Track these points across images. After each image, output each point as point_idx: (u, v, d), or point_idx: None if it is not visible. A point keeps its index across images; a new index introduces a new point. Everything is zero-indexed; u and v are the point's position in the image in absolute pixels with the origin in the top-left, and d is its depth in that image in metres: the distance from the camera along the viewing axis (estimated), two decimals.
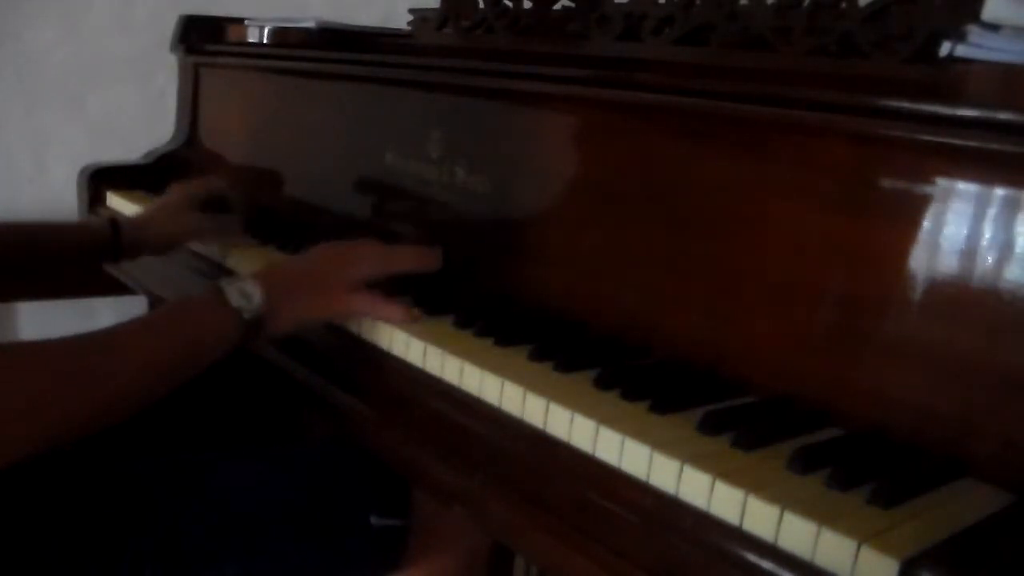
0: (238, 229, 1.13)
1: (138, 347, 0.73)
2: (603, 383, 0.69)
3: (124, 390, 0.71)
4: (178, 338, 0.76)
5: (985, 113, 0.58)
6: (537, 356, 0.74)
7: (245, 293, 0.78)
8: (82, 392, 0.68)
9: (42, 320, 1.92)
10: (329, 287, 0.82)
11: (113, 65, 1.89)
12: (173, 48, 1.47)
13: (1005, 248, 0.59)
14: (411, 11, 1.28)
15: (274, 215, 1.24)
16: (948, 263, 0.61)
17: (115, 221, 1.09)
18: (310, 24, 1.27)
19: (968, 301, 0.60)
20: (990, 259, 0.59)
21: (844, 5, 0.76)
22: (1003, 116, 0.57)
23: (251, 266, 1.04)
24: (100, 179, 1.44)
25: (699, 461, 0.57)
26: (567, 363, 0.73)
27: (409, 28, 1.29)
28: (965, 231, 0.60)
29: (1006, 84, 0.61)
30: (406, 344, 0.79)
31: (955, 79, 0.64)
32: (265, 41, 1.32)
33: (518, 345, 0.76)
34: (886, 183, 0.65)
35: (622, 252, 0.83)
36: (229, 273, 1.07)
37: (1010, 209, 0.59)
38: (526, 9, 1.07)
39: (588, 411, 0.64)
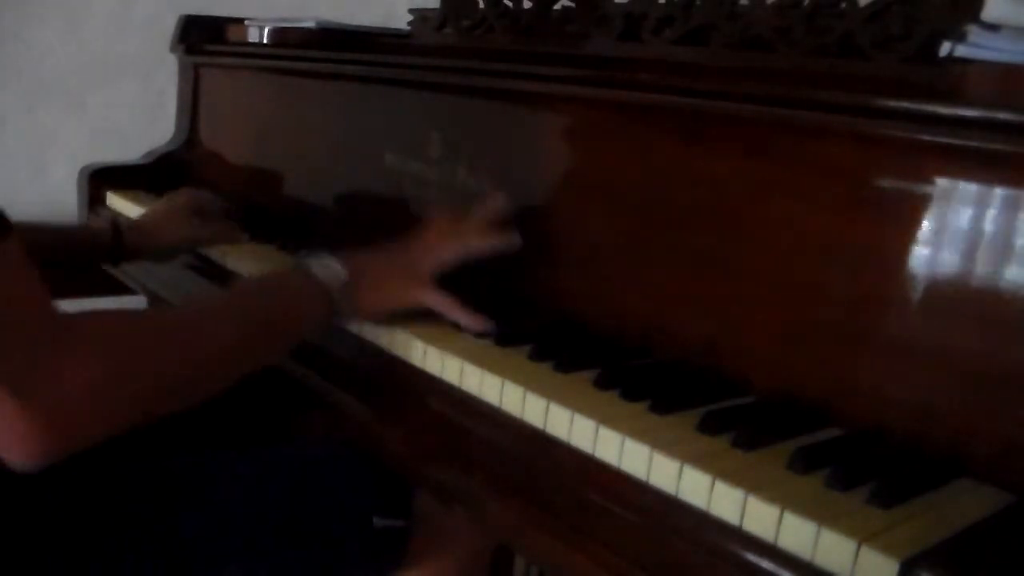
0: (238, 236, 1.13)
1: (229, 321, 0.72)
2: (603, 383, 0.69)
3: (214, 364, 0.70)
4: (267, 311, 0.76)
5: (985, 113, 0.58)
6: (537, 356, 0.74)
7: (329, 268, 0.78)
8: (174, 365, 0.67)
9: None
10: (408, 277, 0.82)
11: (113, 65, 1.89)
12: (173, 48, 1.47)
13: (1005, 248, 0.59)
14: (411, 11, 1.28)
15: (274, 215, 1.24)
16: (948, 263, 0.61)
17: (117, 225, 1.09)
18: (310, 24, 1.27)
19: (968, 301, 0.60)
20: (990, 259, 0.59)
21: (844, 5, 0.76)
22: (1003, 116, 0.57)
23: (251, 266, 1.05)
24: (100, 179, 1.44)
25: (699, 461, 0.57)
26: (567, 363, 0.73)
27: (409, 28, 1.29)
28: (965, 231, 0.60)
29: (1006, 84, 0.61)
30: (406, 344, 0.79)
31: (955, 79, 0.64)
32: (265, 41, 1.32)
33: (518, 345, 0.76)
34: (886, 183, 0.65)
35: (622, 252, 0.83)
36: (229, 273, 1.07)
37: (1010, 209, 0.59)
38: (526, 9, 1.07)
39: (588, 411, 0.64)
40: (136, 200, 1.34)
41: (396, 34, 1.30)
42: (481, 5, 1.12)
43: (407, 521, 0.87)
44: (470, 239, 0.84)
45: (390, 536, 0.86)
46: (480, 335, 0.79)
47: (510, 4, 1.09)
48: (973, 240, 0.60)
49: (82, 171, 1.45)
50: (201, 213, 1.13)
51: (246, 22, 1.36)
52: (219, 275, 1.09)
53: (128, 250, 1.08)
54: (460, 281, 0.84)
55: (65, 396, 0.57)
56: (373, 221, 1.10)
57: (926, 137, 0.62)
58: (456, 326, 0.81)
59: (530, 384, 0.68)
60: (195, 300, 0.71)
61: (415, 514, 0.87)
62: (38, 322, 0.58)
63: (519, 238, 0.85)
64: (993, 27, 0.62)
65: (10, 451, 0.57)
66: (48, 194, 1.85)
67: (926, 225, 0.62)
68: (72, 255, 1.07)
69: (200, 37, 1.44)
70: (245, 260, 1.06)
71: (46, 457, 0.58)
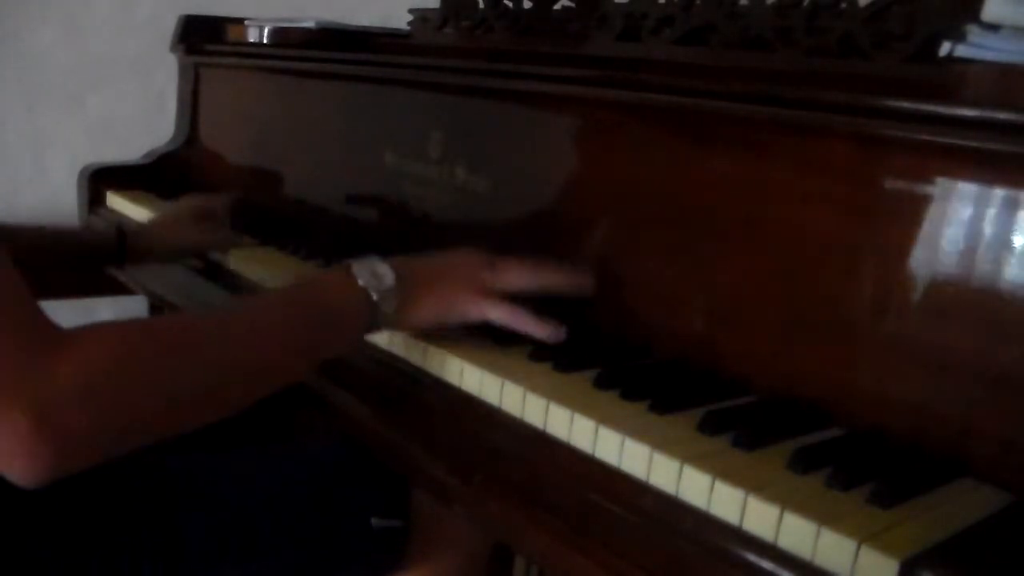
0: (243, 241, 1.13)
1: (262, 328, 0.68)
2: (603, 383, 0.69)
3: (247, 373, 0.66)
4: (304, 319, 0.70)
5: (985, 113, 0.58)
6: (537, 356, 0.74)
7: (376, 273, 0.72)
8: (201, 374, 0.62)
9: None
10: (469, 287, 0.76)
11: (113, 65, 1.90)
12: (173, 48, 1.47)
13: (1005, 248, 0.59)
14: (411, 11, 1.28)
15: (274, 215, 1.24)
16: (948, 263, 0.61)
17: (121, 228, 1.09)
18: (310, 24, 1.27)
19: (968, 301, 0.60)
20: (990, 259, 0.59)
21: (844, 5, 0.76)
22: (1003, 116, 0.57)
23: (252, 267, 1.05)
24: (100, 179, 1.44)
25: (699, 461, 0.57)
26: (567, 363, 0.73)
27: (409, 28, 1.29)
28: (965, 231, 0.60)
29: (1006, 84, 0.61)
30: (406, 344, 0.79)
31: (955, 79, 0.64)
32: (265, 41, 1.32)
33: (518, 345, 0.76)
34: (886, 183, 0.65)
35: (622, 251, 0.83)
36: (230, 273, 1.07)
37: (1010, 209, 0.59)
38: (526, 9, 1.07)
39: (588, 411, 0.64)
40: (136, 200, 1.34)
41: (396, 34, 1.30)
42: (481, 5, 1.12)
43: (405, 521, 0.87)
44: (548, 272, 0.79)
45: (388, 536, 0.86)
46: (555, 345, 0.74)
47: (510, 4, 1.09)
48: (973, 240, 0.60)
49: (82, 171, 1.45)
50: (207, 219, 1.13)
51: (246, 22, 1.36)
52: (220, 276, 1.09)
53: (132, 254, 1.08)
54: None
55: (57, 403, 0.53)
56: (373, 221, 1.10)
57: (926, 137, 0.62)
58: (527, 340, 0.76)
59: (530, 384, 0.68)
60: (216, 307, 0.65)
61: (413, 514, 0.87)
62: (27, 329, 0.55)
63: (593, 281, 0.80)
64: (993, 27, 0.62)
65: (11, 467, 0.54)
66: (48, 194, 1.86)
67: (926, 225, 0.62)
68: (75, 258, 1.07)
69: (200, 37, 1.44)
70: (245, 260, 1.06)
71: (48, 470, 0.54)
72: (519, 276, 0.77)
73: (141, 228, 1.14)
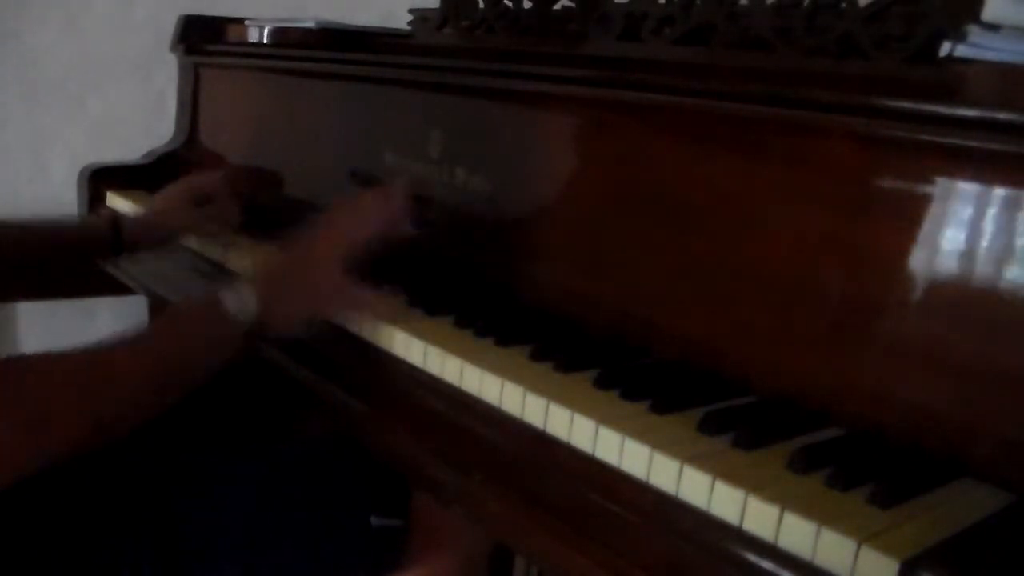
0: (237, 221, 1.13)
1: (137, 360, 0.73)
2: (603, 383, 0.69)
3: (125, 404, 0.71)
4: (177, 350, 0.76)
5: (985, 113, 0.58)
6: (537, 356, 0.74)
7: (241, 299, 0.78)
8: (83, 407, 0.68)
9: (42, 320, 1.92)
10: (318, 284, 0.82)
11: (113, 65, 1.89)
12: (173, 48, 1.47)
13: (1005, 248, 0.59)
14: (411, 11, 1.28)
15: (274, 214, 1.24)
16: (948, 263, 0.61)
17: (115, 218, 1.10)
18: (310, 24, 1.27)
19: (968, 301, 0.60)
20: (990, 259, 0.59)
21: (844, 5, 0.76)
22: (1003, 116, 0.57)
23: (251, 266, 1.04)
24: (100, 179, 1.44)
25: (699, 461, 0.57)
26: (567, 363, 0.73)
27: (409, 28, 1.29)
28: (965, 231, 0.60)
29: (1006, 84, 0.61)
30: (406, 344, 0.79)
31: (955, 79, 0.64)
32: (265, 41, 1.32)
33: (518, 345, 0.76)
34: (886, 183, 0.65)
35: (622, 252, 0.83)
36: (230, 273, 1.07)
37: (1010, 209, 0.59)
38: (526, 9, 1.07)
39: (588, 411, 0.64)
40: (136, 200, 1.34)
41: (396, 34, 1.30)
42: (481, 5, 1.12)
43: (405, 521, 0.87)
44: (364, 211, 0.85)
45: (389, 536, 0.86)
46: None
47: (510, 4, 1.09)
48: (973, 240, 0.60)
49: (82, 171, 1.45)
50: (200, 201, 1.13)
51: (246, 22, 1.36)
52: (220, 276, 1.09)
53: (128, 242, 1.08)
54: (460, 282, 0.84)
55: None
56: None
57: (926, 137, 0.62)
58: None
59: (530, 384, 0.68)
60: (105, 341, 0.71)
61: (414, 514, 0.87)
62: None
63: (401, 192, 0.86)
64: (993, 27, 0.62)
65: None
66: (48, 194, 1.86)
67: (926, 225, 0.62)
68: (70, 249, 1.07)
69: (200, 37, 1.44)
70: (245, 260, 1.06)
71: None
72: (350, 233, 0.82)
73: (135, 217, 1.14)
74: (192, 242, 1.15)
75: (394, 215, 0.86)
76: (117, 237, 1.07)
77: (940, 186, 0.62)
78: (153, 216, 1.13)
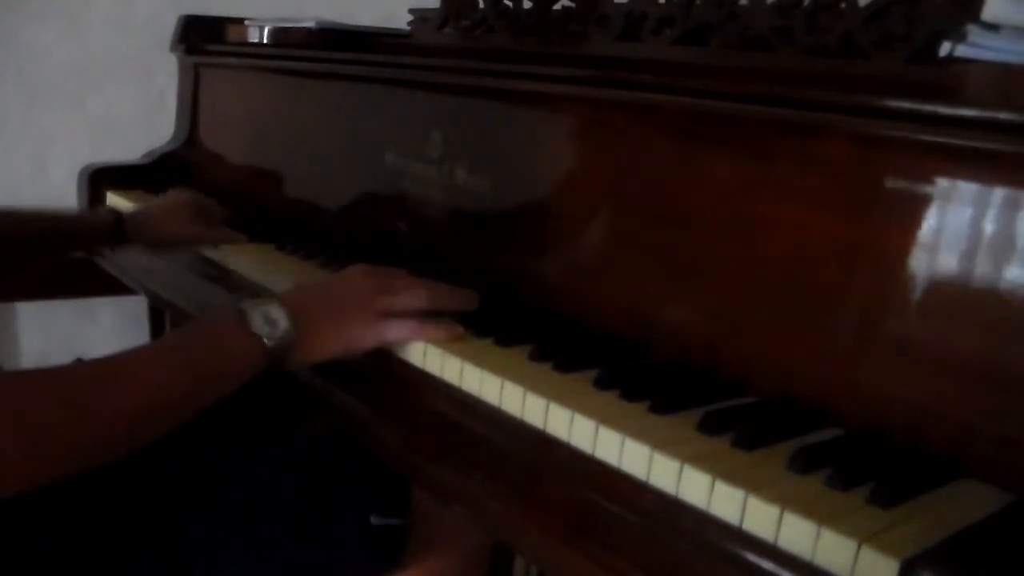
0: (238, 238, 1.13)
1: (148, 377, 0.67)
2: (603, 383, 0.69)
3: (131, 422, 0.66)
4: (191, 368, 0.70)
5: (985, 113, 0.58)
6: (537, 356, 0.74)
7: (270, 318, 0.72)
8: (86, 424, 0.64)
9: (42, 320, 1.92)
10: (364, 315, 0.76)
11: (113, 65, 1.90)
12: (173, 48, 1.47)
13: (1005, 248, 0.59)
14: (411, 11, 1.28)
15: (274, 215, 1.24)
16: (948, 263, 0.61)
17: (118, 211, 1.11)
18: (310, 24, 1.27)
19: (968, 301, 0.60)
20: (990, 259, 0.59)
21: (844, 5, 0.76)
22: (1003, 116, 0.57)
23: (251, 266, 1.05)
24: (100, 179, 1.44)
25: (699, 461, 0.57)
26: (567, 363, 0.73)
27: (409, 28, 1.29)
28: (965, 231, 0.60)
29: (1006, 84, 0.61)
30: (406, 344, 0.79)
31: (955, 79, 0.64)
32: (265, 41, 1.32)
33: (518, 345, 0.76)
34: (886, 183, 0.65)
35: (622, 252, 0.83)
36: (229, 273, 1.07)
37: (1010, 209, 0.59)
38: (526, 9, 1.07)
39: (588, 411, 0.64)
40: (136, 200, 1.34)
41: (396, 34, 1.31)
42: (481, 5, 1.12)
43: (405, 520, 0.87)
44: (437, 292, 0.80)
45: (389, 535, 0.86)
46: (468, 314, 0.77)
47: (510, 4, 1.09)
48: (973, 240, 0.60)
49: (82, 171, 1.46)
50: (204, 215, 1.14)
51: (246, 22, 1.36)
52: (220, 277, 1.09)
53: (128, 233, 1.09)
54: (459, 282, 0.84)
55: None
56: (373, 221, 1.10)
57: (926, 137, 0.62)
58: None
59: (530, 384, 0.68)
60: (115, 355, 0.66)
61: (413, 513, 0.87)
62: None
63: (477, 297, 0.82)
64: (993, 27, 0.62)
65: None
66: (48, 194, 1.85)
67: (926, 225, 0.62)
68: (72, 238, 1.08)
69: (200, 37, 1.44)
70: (245, 260, 1.06)
71: None
72: (412, 297, 0.78)
73: (139, 211, 1.15)
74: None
75: (448, 308, 0.80)
76: (120, 226, 1.08)
77: (940, 186, 0.62)
78: (157, 213, 1.13)
